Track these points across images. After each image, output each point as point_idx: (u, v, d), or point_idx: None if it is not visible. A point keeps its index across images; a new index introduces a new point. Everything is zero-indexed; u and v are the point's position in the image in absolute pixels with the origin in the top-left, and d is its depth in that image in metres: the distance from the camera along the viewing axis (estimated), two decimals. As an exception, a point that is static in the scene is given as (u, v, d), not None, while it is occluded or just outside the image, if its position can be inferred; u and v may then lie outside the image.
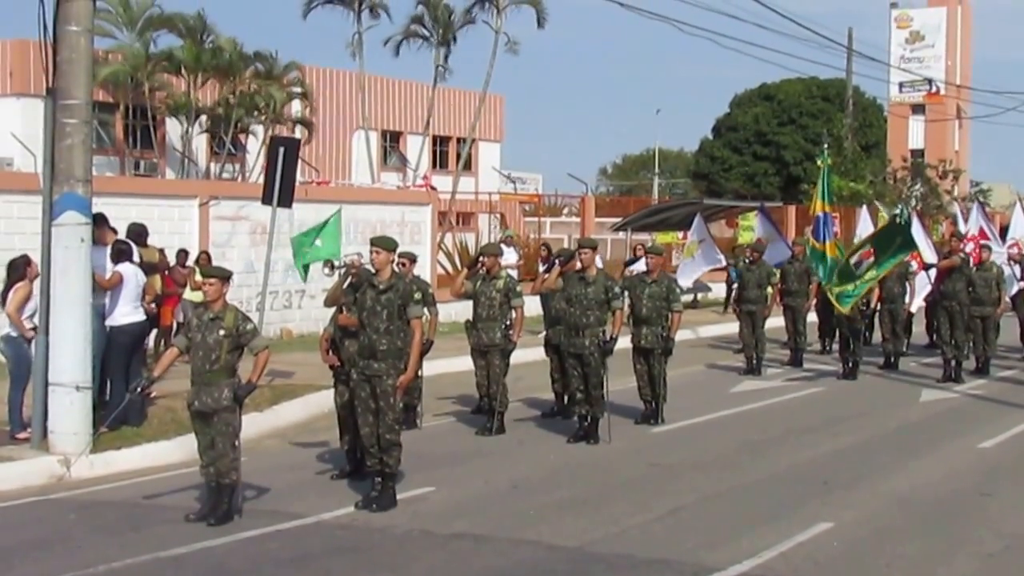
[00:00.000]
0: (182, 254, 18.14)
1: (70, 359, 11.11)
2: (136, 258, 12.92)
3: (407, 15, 40.13)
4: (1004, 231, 24.98)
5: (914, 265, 19.49)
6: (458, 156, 45.64)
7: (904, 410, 15.24)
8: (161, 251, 16.14)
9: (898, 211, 18.28)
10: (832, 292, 17.22)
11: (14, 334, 11.73)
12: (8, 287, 11.88)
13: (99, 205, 12.01)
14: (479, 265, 13.44)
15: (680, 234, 33.26)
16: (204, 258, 18.09)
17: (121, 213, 15.01)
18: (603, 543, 8.64)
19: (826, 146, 20.79)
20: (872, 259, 16.98)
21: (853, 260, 17.23)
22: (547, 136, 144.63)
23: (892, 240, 16.75)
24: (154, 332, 15.88)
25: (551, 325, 14.19)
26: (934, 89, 56.29)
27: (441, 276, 25.11)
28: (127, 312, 12.24)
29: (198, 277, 17.47)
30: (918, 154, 53.26)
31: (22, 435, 11.52)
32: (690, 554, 8.40)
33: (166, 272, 16.78)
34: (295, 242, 15.16)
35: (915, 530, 9.17)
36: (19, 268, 11.90)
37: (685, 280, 24.52)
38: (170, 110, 37.83)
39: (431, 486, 10.39)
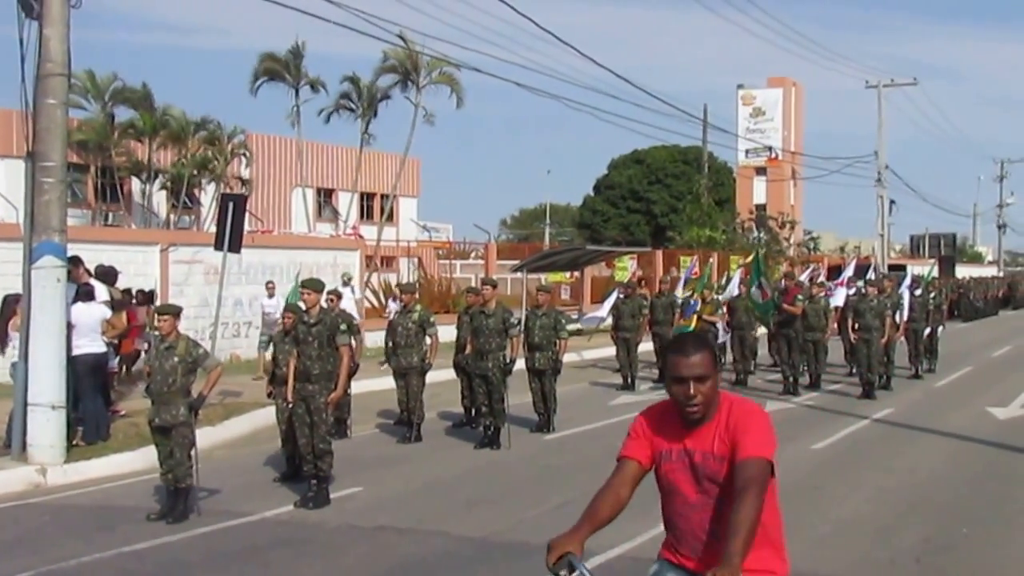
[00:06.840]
0: (140, 294, 17.70)
1: (47, 383, 10.87)
2: (105, 296, 12.72)
3: (338, 91, 39.85)
4: (837, 271, 26.55)
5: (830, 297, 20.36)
6: (382, 209, 45.34)
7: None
8: (126, 291, 15.80)
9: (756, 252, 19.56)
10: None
11: None
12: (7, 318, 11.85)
13: (73, 251, 11.80)
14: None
15: (568, 274, 33.55)
16: (141, 296, 17.44)
17: (93, 258, 14.73)
18: (503, 534, 8.65)
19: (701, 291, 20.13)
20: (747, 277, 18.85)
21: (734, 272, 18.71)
22: (457, 191, 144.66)
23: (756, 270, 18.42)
24: (118, 358, 15.57)
25: (460, 351, 14.21)
26: (774, 155, 57.61)
27: (368, 310, 25.17)
28: (83, 344, 12.06)
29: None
30: (761, 208, 54.37)
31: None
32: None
33: (128, 309, 16.39)
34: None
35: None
36: (11, 304, 11.91)
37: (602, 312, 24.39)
38: (132, 170, 37.28)
39: (359, 486, 10.33)
